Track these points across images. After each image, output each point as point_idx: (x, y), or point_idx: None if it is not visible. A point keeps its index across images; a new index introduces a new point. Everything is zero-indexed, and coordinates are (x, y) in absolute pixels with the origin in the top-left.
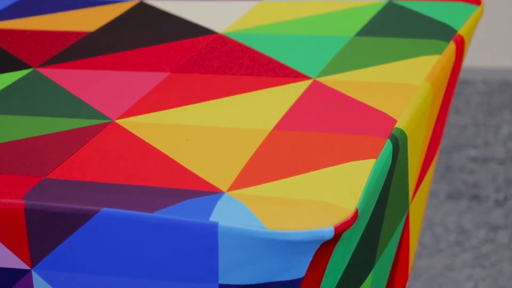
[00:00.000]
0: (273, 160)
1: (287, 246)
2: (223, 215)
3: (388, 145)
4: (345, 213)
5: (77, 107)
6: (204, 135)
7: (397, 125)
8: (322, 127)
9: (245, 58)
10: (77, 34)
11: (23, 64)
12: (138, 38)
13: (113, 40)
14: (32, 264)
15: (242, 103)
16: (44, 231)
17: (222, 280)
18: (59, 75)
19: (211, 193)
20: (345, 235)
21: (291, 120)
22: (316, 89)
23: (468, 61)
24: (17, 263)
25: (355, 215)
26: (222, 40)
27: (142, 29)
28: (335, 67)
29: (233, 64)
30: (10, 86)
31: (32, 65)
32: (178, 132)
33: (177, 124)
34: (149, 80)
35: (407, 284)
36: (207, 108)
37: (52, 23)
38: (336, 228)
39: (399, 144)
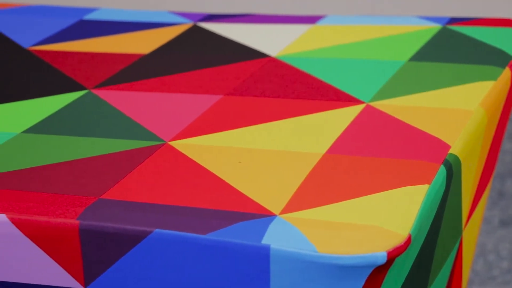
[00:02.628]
0: (325, 184)
1: (339, 270)
2: (275, 238)
3: (442, 171)
4: (398, 238)
5: (131, 129)
6: (257, 158)
7: (451, 151)
8: (375, 152)
9: (298, 81)
10: (131, 56)
11: (78, 86)
12: (191, 61)
13: (167, 63)
14: (86, 284)
15: (295, 126)
16: (98, 251)
17: None
18: (114, 97)
19: (264, 216)
20: (397, 260)
21: (344, 144)
22: (369, 113)
23: None
24: (71, 282)
25: (408, 240)
26: (275, 64)
27: (195, 52)
28: (388, 91)
29: (286, 87)
30: (66, 107)
31: (87, 86)
32: (230, 154)
33: (230, 146)
34: (202, 102)
35: None
36: (260, 131)
37: (107, 46)
38: (389, 253)
39: (453, 170)
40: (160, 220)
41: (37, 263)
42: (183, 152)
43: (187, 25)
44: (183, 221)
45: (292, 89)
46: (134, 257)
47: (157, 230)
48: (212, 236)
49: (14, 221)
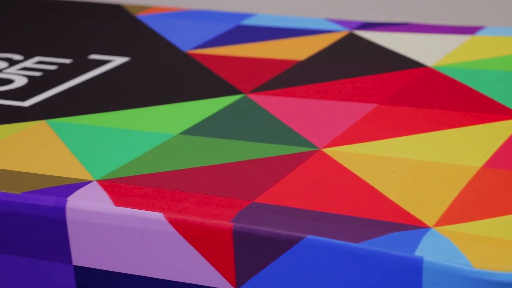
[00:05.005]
0: (481, 198)
1: (494, 287)
2: (428, 251)
3: None
4: None
5: (284, 134)
6: (411, 168)
7: None
8: None
9: (455, 92)
10: (287, 62)
11: (234, 90)
12: (346, 68)
13: (322, 70)
14: (237, 285)
15: (451, 138)
16: (250, 254)
17: None
18: (268, 102)
19: (417, 227)
20: None
21: (502, 158)
22: None
23: None
24: (223, 283)
25: None
26: (431, 74)
27: (350, 59)
28: None
29: (442, 98)
30: (222, 110)
31: (243, 91)
32: (384, 163)
33: (383, 155)
34: (356, 110)
35: None
36: (414, 142)
37: (263, 51)
38: None
39: None
40: (313, 226)
41: (190, 262)
42: (336, 159)
43: (343, 32)
44: (336, 228)
45: (448, 100)
46: (285, 262)
47: (310, 236)
48: (364, 245)
49: (170, 220)
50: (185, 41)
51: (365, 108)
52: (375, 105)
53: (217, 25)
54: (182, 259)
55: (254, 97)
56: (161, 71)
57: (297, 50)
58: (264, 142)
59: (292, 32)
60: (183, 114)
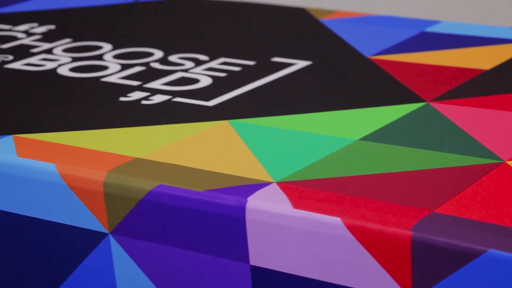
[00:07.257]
0: None
1: None
2: None
3: None
4: None
5: (467, 144)
6: None
7: None
8: None
9: None
10: (471, 71)
11: (416, 97)
12: None
13: (508, 80)
14: None
15: None
16: (428, 264)
17: None
18: (451, 111)
19: None
20: None
21: None
22: None
23: None
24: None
25: None
26: None
27: None
28: None
29: None
30: (403, 118)
31: (425, 99)
32: None
33: None
34: None
35: None
36: None
37: (447, 59)
38: None
39: None
40: (495, 240)
41: (366, 269)
42: None
43: None
44: None
45: None
46: (464, 275)
47: (491, 250)
48: None
49: (348, 226)
50: (368, 46)
51: None
52: None
53: (401, 31)
54: (358, 265)
55: (437, 106)
56: (343, 76)
57: (482, 59)
58: (445, 151)
59: (478, 40)
60: (363, 120)
